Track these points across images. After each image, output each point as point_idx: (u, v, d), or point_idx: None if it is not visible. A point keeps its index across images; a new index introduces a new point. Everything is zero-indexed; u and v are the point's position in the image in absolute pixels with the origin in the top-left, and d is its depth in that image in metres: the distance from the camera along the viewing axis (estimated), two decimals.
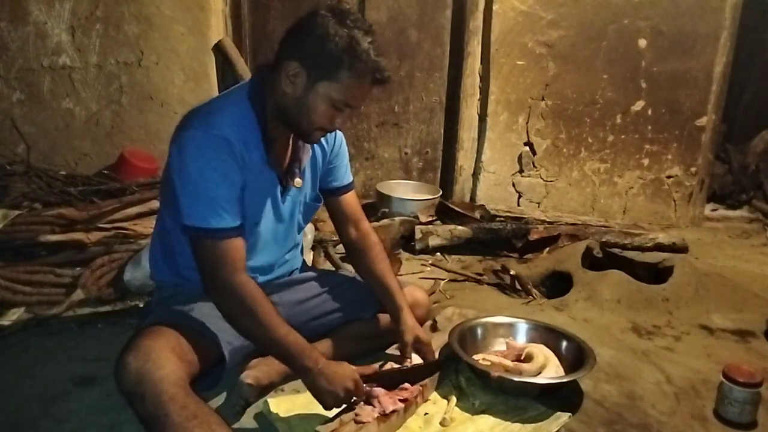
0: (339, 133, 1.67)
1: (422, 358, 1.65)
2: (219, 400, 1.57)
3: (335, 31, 1.30)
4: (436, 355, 1.71)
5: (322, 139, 1.61)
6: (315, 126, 1.39)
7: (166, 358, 1.23)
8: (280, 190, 1.53)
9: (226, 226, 1.33)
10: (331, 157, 1.66)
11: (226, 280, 1.32)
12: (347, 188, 1.72)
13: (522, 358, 1.71)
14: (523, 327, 1.88)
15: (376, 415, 1.41)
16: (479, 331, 1.85)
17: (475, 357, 1.70)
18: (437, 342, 1.77)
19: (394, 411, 1.43)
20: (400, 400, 1.46)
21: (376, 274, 1.69)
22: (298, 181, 1.55)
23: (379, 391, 1.46)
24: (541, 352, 1.70)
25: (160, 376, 1.20)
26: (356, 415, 1.41)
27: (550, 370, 1.65)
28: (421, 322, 1.85)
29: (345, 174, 1.71)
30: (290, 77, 1.34)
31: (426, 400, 1.59)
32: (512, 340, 1.83)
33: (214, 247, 1.33)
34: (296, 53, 1.33)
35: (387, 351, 1.78)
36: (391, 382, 1.52)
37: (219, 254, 1.33)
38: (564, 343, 1.78)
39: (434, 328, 1.89)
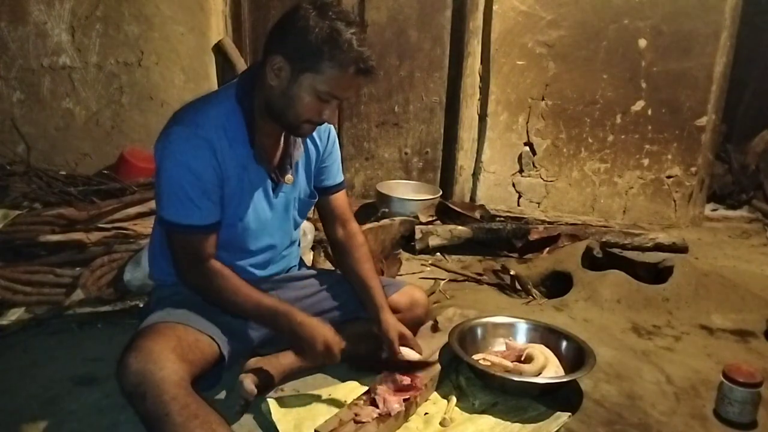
0: (332, 133, 1.68)
1: (415, 351, 1.65)
2: (219, 400, 1.57)
3: (316, 23, 1.31)
4: (436, 356, 1.71)
5: (316, 138, 1.62)
6: (302, 119, 1.40)
7: (167, 359, 1.24)
8: (271, 186, 1.54)
9: (196, 224, 1.40)
10: (324, 155, 1.67)
11: (196, 269, 1.43)
12: (338, 187, 1.73)
13: (522, 358, 1.71)
14: (523, 327, 1.88)
15: (375, 415, 1.41)
16: (479, 331, 1.85)
17: (475, 357, 1.70)
18: (439, 342, 1.77)
19: (397, 411, 1.43)
20: (404, 400, 1.46)
21: (359, 274, 1.70)
22: (289, 177, 1.56)
23: (383, 390, 1.46)
24: (541, 353, 1.70)
25: (162, 376, 1.20)
26: (355, 415, 1.41)
27: (550, 371, 1.65)
28: (420, 322, 1.86)
29: (337, 173, 1.72)
30: (275, 71, 1.36)
31: (426, 400, 1.59)
32: (512, 341, 1.83)
33: (184, 242, 1.41)
34: (280, 47, 1.35)
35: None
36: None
37: (188, 248, 1.41)
38: (564, 343, 1.78)
39: (435, 329, 1.89)
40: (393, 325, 1.65)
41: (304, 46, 1.32)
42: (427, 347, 1.73)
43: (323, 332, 1.43)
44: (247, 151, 1.45)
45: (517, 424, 1.50)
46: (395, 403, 1.44)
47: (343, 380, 1.67)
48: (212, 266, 1.43)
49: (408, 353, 1.63)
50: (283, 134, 1.53)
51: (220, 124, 1.40)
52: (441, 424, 1.50)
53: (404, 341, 1.65)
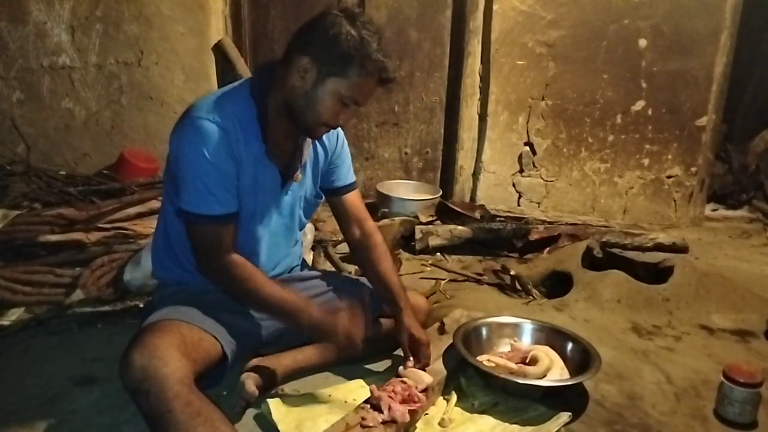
0: (341, 134, 1.69)
1: (418, 358, 1.64)
2: (220, 399, 1.57)
3: (347, 31, 1.35)
4: (441, 356, 1.70)
5: (325, 139, 1.63)
6: (320, 120, 1.43)
7: (171, 356, 1.24)
8: (280, 183, 1.55)
9: (216, 213, 1.41)
10: (332, 157, 1.68)
11: (216, 261, 1.43)
12: (350, 188, 1.74)
13: (527, 360, 1.70)
14: (528, 327, 1.87)
15: (380, 420, 1.40)
16: (484, 331, 1.84)
17: (480, 358, 1.70)
18: (446, 344, 1.76)
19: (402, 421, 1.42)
20: (410, 410, 1.45)
21: (379, 274, 1.71)
22: (297, 175, 1.57)
23: (389, 399, 1.45)
24: (546, 355, 1.69)
25: (165, 373, 1.20)
26: (362, 419, 1.40)
27: (554, 373, 1.65)
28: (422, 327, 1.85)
29: (347, 174, 1.73)
30: (300, 72, 1.38)
31: (432, 405, 1.57)
32: (517, 342, 1.83)
33: (205, 232, 1.42)
34: (308, 49, 1.37)
35: (395, 353, 1.77)
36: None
37: (209, 238, 1.42)
38: (569, 345, 1.77)
39: (442, 331, 1.88)
40: (407, 327, 1.65)
41: (334, 51, 1.35)
42: (433, 350, 1.72)
43: (343, 322, 1.43)
44: (259, 147, 1.46)
45: (517, 426, 1.50)
46: (400, 412, 1.42)
47: (344, 381, 1.67)
48: (233, 259, 1.43)
49: (416, 377, 1.58)
50: (294, 132, 1.53)
51: (236, 118, 1.42)
52: (440, 424, 1.49)
53: (416, 345, 1.64)
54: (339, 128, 1.67)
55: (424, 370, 1.61)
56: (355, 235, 1.75)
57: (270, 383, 1.56)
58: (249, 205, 1.50)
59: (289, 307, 1.44)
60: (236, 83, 1.53)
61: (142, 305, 2.04)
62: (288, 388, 1.61)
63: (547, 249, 2.82)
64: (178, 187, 1.43)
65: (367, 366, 1.75)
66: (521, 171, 3.49)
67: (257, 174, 1.48)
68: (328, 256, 2.63)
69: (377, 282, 1.71)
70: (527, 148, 3.45)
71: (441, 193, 3.37)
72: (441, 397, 1.61)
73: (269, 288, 1.45)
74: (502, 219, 3.13)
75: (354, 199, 1.75)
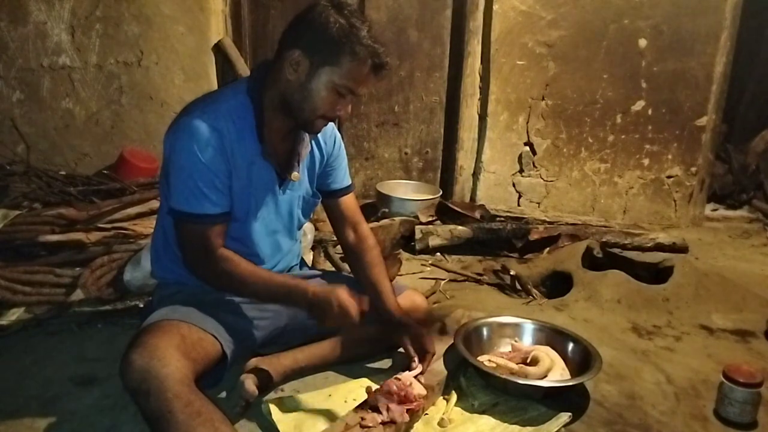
0: (338, 137, 1.70)
1: (422, 347, 1.64)
2: (220, 399, 1.57)
3: (335, 19, 1.35)
4: (442, 357, 1.70)
5: (321, 141, 1.63)
6: (318, 113, 1.42)
7: (171, 356, 1.24)
8: (278, 183, 1.55)
9: (206, 213, 1.41)
10: (329, 159, 1.68)
11: (206, 259, 1.43)
12: (346, 190, 1.74)
13: (528, 361, 1.70)
14: (529, 327, 1.87)
15: (379, 420, 1.40)
16: (485, 331, 1.84)
17: (480, 358, 1.70)
18: (446, 345, 1.76)
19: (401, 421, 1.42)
20: (408, 410, 1.45)
21: (370, 278, 1.71)
22: (295, 174, 1.57)
23: (387, 400, 1.45)
24: (547, 355, 1.69)
25: (165, 373, 1.20)
26: (362, 419, 1.40)
27: (555, 373, 1.65)
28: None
29: (344, 176, 1.73)
30: (293, 65, 1.38)
31: (432, 405, 1.57)
32: (518, 342, 1.83)
33: (194, 232, 1.42)
34: (298, 42, 1.38)
35: (399, 350, 1.75)
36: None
37: (197, 238, 1.43)
38: (570, 345, 1.77)
39: (443, 331, 1.89)
40: (403, 324, 1.65)
41: (323, 40, 1.35)
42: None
43: (337, 294, 1.40)
44: (255, 146, 1.46)
45: (517, 426, 1.50)
46: (398, 412, 1.42)
47: (344, 380, 1.67)
48: (221, 254, 1.44)
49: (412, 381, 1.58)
50: (291, 131, 1.53)
51: (230, 118, 1.42)
52: (439, 424, 1.49)
53: (417, 338, 1.64)
54: (336, 131, 1.68)
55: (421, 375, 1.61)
56: (349, 237, 1.75)
57: (267, 384, 1.55)
58: (244, 204, 1.50)
59: (284, 289, 1.44)
60: (233, 83, 1.54)
61: (142, 305, 2.04)
62: (288, 388, 1.61)
63: (547, 249, 2.82)
64: (171, 186, 1.43)
65: (368, 365, 1.75)
66: (521, 171, 3.49)
67: (252, 173, 1.48)
68: (328, 256, 2.63)
69: (368, 285, 1.71)
70: (527, 148, 3.45)
71: (441, 193, 3.37)
72: (441, 397, 1.61)
73: (260, 274, 1.45)
74: (502, 219, 3.13)
75: (349, 202, 1.75)
